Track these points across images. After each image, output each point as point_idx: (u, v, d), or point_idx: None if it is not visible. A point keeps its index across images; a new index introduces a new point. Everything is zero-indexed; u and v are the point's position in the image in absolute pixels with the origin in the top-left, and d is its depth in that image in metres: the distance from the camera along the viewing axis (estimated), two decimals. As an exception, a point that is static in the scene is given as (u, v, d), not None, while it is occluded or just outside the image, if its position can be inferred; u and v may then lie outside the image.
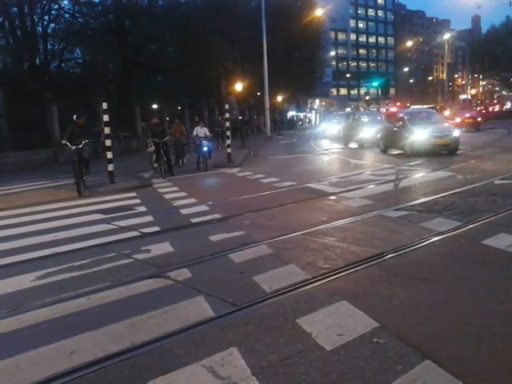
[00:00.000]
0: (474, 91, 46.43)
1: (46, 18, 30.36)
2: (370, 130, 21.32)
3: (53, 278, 5.09)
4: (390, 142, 17.95)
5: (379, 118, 24.31)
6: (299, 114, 75.34)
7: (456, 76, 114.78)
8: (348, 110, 70.83)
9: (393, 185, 10.29)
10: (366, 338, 3.32)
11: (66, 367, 3.17)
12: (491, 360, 3.01)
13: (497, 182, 9.75)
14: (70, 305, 4.29)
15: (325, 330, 3.47)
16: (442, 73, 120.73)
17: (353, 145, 22.60)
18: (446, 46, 71.56)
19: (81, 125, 12.01)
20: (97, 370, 3.13)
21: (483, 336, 3.31)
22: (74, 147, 11.48)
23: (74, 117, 12.05)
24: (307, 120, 75.53)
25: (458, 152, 15.95)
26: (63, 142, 11.62)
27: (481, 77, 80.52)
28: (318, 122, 56.80)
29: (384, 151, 18.09)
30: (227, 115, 17.65)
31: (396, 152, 17.46)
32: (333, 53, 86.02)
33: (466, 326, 3.46)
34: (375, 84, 48.50)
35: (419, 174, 11.64)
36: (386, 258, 5.10)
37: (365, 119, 23.53)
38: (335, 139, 27.97)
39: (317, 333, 3.43)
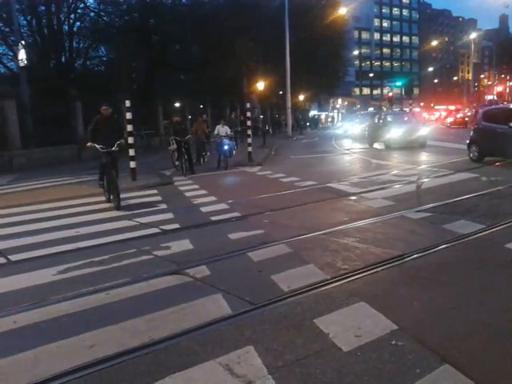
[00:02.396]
0: (500, 88, 45.58)
1: (72, 16, 30.86)
2: (397, 131, 20.19)
3: (74, 273, 5.16)
4: (491, 148, 13.61)
5: (406, 118, 23.46)
6: (321, 113, 74.94)
7: (482, 76, 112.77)
8: (371, 109, 70.15)
9: (415, 186, 10.16)
10: (385, 340, 3.28)
11: (84, 361, 3.22)
12: (513, 366, 2.95)
13: (522, 184, 9.54)
14: (89, 299, 4.35)
15: (342, 331, 3.45)
16: (468, 73, 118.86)
17: (378, 145, 21.86)
18: (472, 46, 70.52)
19: (107, 118, 9.51)
20: (115, 365, 3.17)
21: (505, 341, 3.24)
22: (104, 150, 9.10)
23: (103, 108, 9.52)
24: (329, 119, 75.02)
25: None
26: (89, 144, 9.19)
27: (508, 77, 78.97)
28: (339, 122, 56.33)
29: (479, 159, 13.83)
30: (248, 114, 17.65)
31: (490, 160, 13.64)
32: (356, 52, 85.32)
33: (487, 331, 3.40)
34: (399, 84, 48.05)
35: (441, 176, 11.46)
36: (406, 259, 5.03)
37: (392, 119, 22.33)
38: (357, 139, 27.74)
39: (334, 333, 3.41)
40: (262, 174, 14.09)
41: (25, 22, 28.28)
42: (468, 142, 14.76)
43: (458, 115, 43.36)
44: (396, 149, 19.55)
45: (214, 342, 3.38)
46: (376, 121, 23.58)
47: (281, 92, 41.95)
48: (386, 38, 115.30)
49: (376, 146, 21.98)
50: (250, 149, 17.13)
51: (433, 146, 20.20)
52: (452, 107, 59.91)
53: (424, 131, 20.82)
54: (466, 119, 41.00)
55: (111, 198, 9.39)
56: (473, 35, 70.97)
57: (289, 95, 35.51)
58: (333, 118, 74.66)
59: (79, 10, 31.20)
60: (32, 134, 19.29)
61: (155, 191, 11.20)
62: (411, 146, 19.56)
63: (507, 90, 72.87)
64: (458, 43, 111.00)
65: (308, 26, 41.38)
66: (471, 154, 14.39)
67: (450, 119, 42.94)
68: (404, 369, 2.94)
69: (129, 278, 4.89)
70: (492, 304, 3.88)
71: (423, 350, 3.15)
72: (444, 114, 52.11)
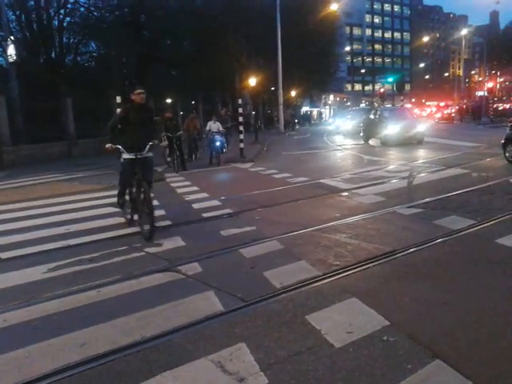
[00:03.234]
0: (490, 84, 46.21)
1: (62, 11, 30.54)
2: (394, 127, 19.53)
3: (64, 271, 5.13)
4: None
5: (403, 113, 22.96)
6: (313, 109, 74.92)
7: (473, 72, 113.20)
8: (362, 105, 70.30)
9: (406, 182, 10.20)
10: (376, 336, 3.29)
11: (76, 359, 3.20)
12: (503, 361, 2.97)
13: (512, 180, 9.60)
14: (80, 297, 4.32)
15: (334, 327, 3.45)
16: (459, 69, 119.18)
17: (373, 142, 21.38)
18: (463, 42, 70.56)
19: (140, 107, 6.67)
20: (106, 363, 3.15)
21: (495, 336, 3.26)
22: (128, 156, 6.49)
23: (136, 92, 6.62)
24: (321, 116, 75.00)
25: (475, 149, 15.48)
26: (108, 145, 6.46)
27: (498, 73, 79.40)
28: (331, 118, 56.35)
29: None
30: (240, 110, 17.62)
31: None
32: (348, 48, 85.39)
33: (478, 326, 3.42)
34: (390, 80, 48.27)
35: (433, 172, 11.51)
36: (397, 255, 5.05)
37: (389, 115, 21.60)
38: (349, 135, 27.79)
39: (326, 330, 3.41)
40: (254, 170, 14.08)
41: (13, 16, 27.96)
42: (503, 140, 12.95)
43: (445, 111, 45.48)
44: (392, 145, 19.18)
45: (205, 340, 3.37)
46: (372, 116, 23.01)
47: (273, 88, 41.89)
48: (378, 33, 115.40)
49: (371, 142, 21.55)
50: (241, 145, 17.11)
51: (430, 142, 20.00)
52: (441, 103, 60.82)
53: (422, 128, 20.37)
54: (453, 115, 43.15)
55: (133, 217, 7.05)
56: (464, 31, 70.95)
57: (280, 91, 35.51)
58: (321, 113, 74.07)
59: (69, 5, 30.88)
60: (22, 130, 19.12)
61: (147, 188, 11.13)
62: (408, 143, 19.21)
63: (497, 86, 73.41)
64: (449, 39, 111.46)
65: (300, 22, 41.30)
66: (507, 154, 12.68)
67: (438, 115, 44.73)
68: (395, 364, 2.95)
69: (120, 275, 4.87)
70: (483, 299, 3.90)
71: (415, 345, 3.16)
72: (435, 109, 53.23)
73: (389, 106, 47.12)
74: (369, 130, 22.36)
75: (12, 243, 6.42)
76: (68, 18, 31.30)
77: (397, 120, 20.26)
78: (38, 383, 2.98)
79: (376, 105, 49.27)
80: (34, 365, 3.17)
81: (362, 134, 23.52)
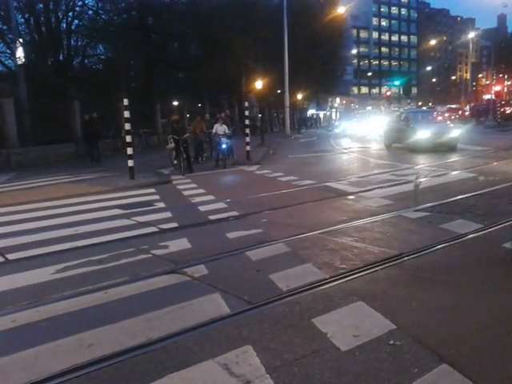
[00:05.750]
0: (498, 88, 46.33)
1: (71, 14, 30.91)
2: (425, 132, 17.30)
3: (72, 272, 5.16)
4: None
5: (434, 117, 21.23)
6: (319, 112, 74.74)
7: (480, 76, 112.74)
8: (369, 108, 70.18)
9: (413, 185, 10.17)
10: (383, 340, 3.28)
11: (83, 360, 3.21)
12: (511, 365, 2.95)
13: (520, 184, 9.54)
14: (88, 298, 4.35)
15: (341, 331, 3.45)
16: (466, 72, 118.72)
17: (397, 147, 19.45)
18: (471, 45, 70.12)
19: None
20: (113, 364, 3.17)
21: (503, 341, 3.25)
22: None
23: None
24: (328, 119, 74.77)
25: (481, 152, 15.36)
26: None
27: (506, 77, 79.02)
28: (337, 121, 56.12)
29: None
30: (246, 113, 17.64)
31: None
32: (354, 51, 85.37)
33: (486, 331, 3.41)
34: (397, 83, 48.16)
35: (440, 175, 11.47)
36: (404, 259, 5.04)
37: (418, 118, 19.53)
38: (356, 138, 27.77)
39: (332, 333, 3.41)
40: (261, 172, 14.08)
41: (23, 19, 28.24)
42: None
43: (446, 114, 47.56)
44: (421, 152, 16.97)
45: (212, 342, 3.38)
46: (397, 120, 20.85)
47: (279, 91, 41.97)
48: (385, 36, 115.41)
49: (395, 147, 19.70)
50: (248, 148, 17.11)
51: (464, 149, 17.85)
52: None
53: (455, 133, 18.07)
54: (452, 117, 45.08)
55: None
56: (471, 35, 70.53)
57: (287, 94, 35.49)
58: (318, 116, 71.23)
59: (77, 8, 31.28)
60: (30, 132, 19.23)
61: (153, 190, 11.19)
62: (439, 150, 17.17)
63: (505, 90, 73.11)
64: (457, 43, 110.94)
65: (306, 25, 41.43)
66: None
67: (440, 118, 46.40)
68: (402, 368, 2.94)
69: (127, 277, 4.89)
70: (490, 304, 3.88)
71: (421, 349, 3.15)
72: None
73: (395, 109, 47.00)
74: (392, 133, 20.41)
75: (20, 244, 6.46)
76: (76, 21, 31.69)
77: (427, 124, 18.21)
78: (45, 383, 3.00)
79: (382, 108, 49.18)
80: (42, 365, 3.20)
81: (384, 139, 21.65)
